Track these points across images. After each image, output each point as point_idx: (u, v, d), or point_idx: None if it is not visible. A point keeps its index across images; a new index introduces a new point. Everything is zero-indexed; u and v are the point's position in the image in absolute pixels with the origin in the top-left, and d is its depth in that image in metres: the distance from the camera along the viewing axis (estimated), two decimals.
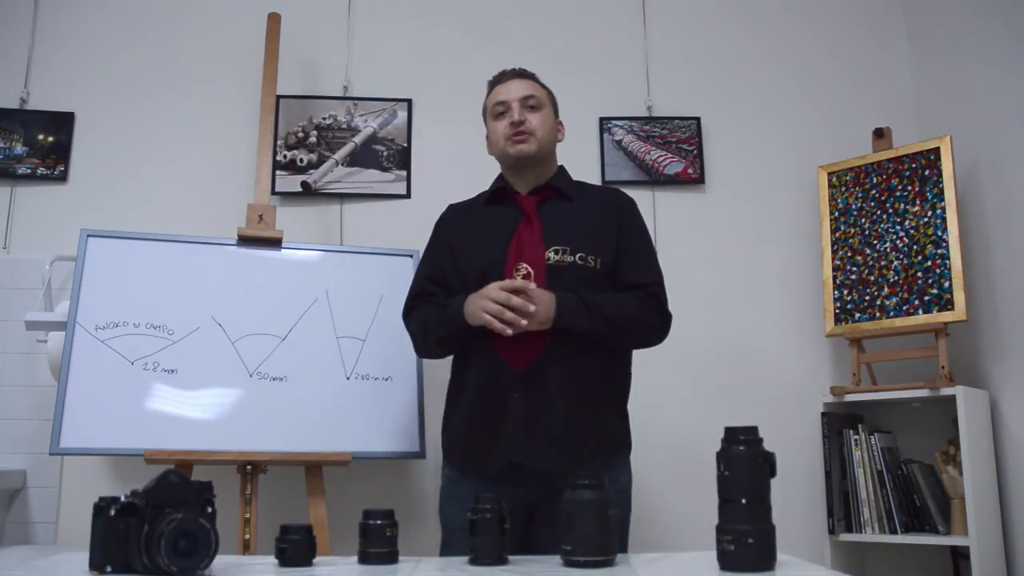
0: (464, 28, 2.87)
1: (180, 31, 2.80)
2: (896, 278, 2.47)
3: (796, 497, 2.50)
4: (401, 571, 1.20)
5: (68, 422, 2.08)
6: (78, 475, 2.45)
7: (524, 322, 1.67)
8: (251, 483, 2.12)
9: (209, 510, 1.12)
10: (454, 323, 1.79)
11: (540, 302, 1.70)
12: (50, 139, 2.68)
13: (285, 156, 2.71)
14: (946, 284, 2.36)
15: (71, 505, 2.44)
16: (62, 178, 2.67)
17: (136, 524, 1.08)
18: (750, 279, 2.74)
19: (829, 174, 2.68)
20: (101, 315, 2.20)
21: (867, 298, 2.51)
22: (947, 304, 2.34)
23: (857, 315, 2.52)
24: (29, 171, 2.66)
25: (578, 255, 1.81)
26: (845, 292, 2.55)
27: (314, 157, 2.73)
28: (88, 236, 2.27)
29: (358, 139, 2.76)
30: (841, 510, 2.40)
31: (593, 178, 2.66)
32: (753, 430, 1.12)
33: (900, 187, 2.52)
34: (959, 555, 2.39)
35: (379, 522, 1.25)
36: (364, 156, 2.75)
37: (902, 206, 2.51)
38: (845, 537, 2.38)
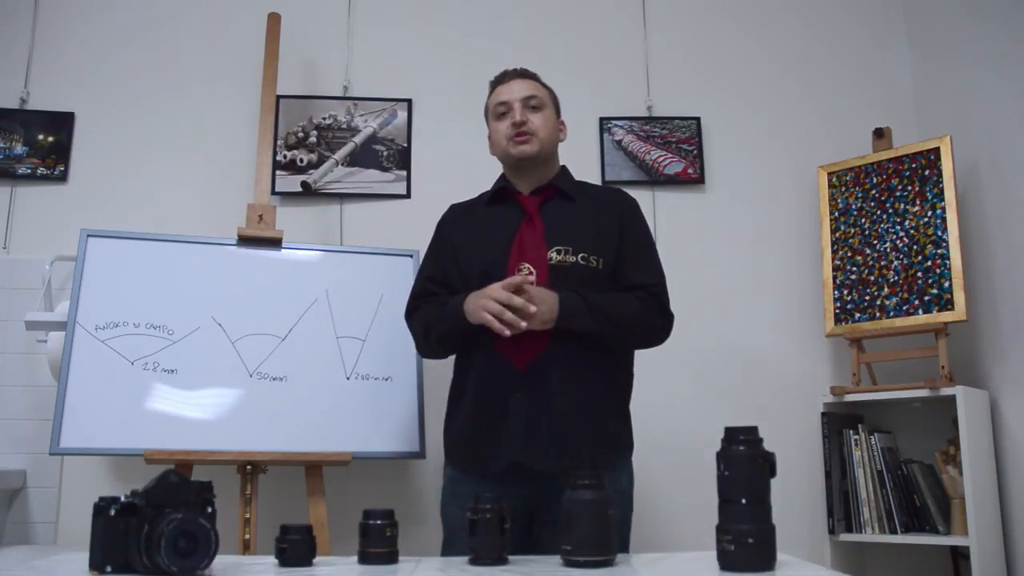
0: (464, 28, 2.88)
1: (180, 31, 2.80)
2: (896, 278, 2.47)
3: (796, 497, 2.50)
4: (401, 571, 1.20)
5: (68, 422, 2.08)
6: (78, 475, 2.45)
7: (524, 324, 1.67)
8: (251, 483, 2.12)
9: (209, 510, 1.12)
10: (454, 321, 1.79)
11: (543, 302, 1.70)
12: (50, 139, 2.68)
13: (285, 156, 2.71)
14: (946, 284, 2.36)
15: (71, 505, 2.44)
16: (62, 178, 2.67)
17: (136, 524, 1.08)
18: (750, 279, 2.74)
19: (829, 174, 2.68)
20: (101, 315, 2.20)
21: (867, 298, 2.51)
22: (947, 304, 2.34)
23: (857, 315, 2.52)
24: (29, 171, 2.66)
25: (580, 255, 1.81)
26: (845, 292, 2.55)
27: (314, 157, 2.73)
28: (88, 236, 2.27)
29: (358, 139, 2.76)
30: (841, 510, 2.40)
31: (593, 178, 2.66)
32: (753, 430, 1.12)
33: (900, 187, 2.52)
34: (959, 555, 2.39)
35: (379, 522, 1.25)
36: (364, 156, 2.75)
37: (902, 206, 2.51)
38: (845, 537, 2.38)
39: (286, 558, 1.22)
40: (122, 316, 2.21)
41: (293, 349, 2.27)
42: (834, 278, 2.58)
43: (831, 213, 2.64)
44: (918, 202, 2.48)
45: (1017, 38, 2.34)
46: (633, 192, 2.03)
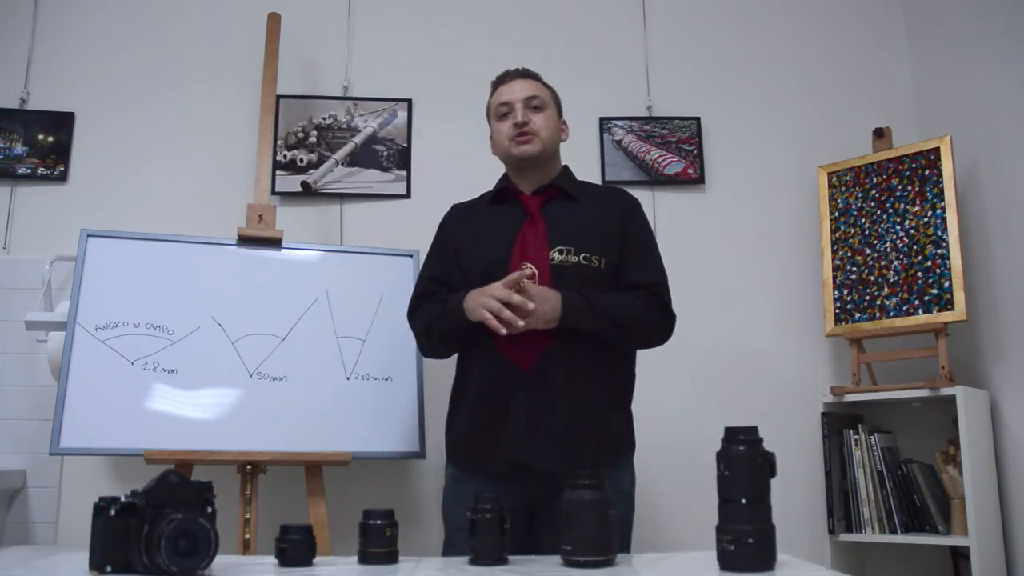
0: (464, 28, 2.88)
1: (180, 31, 2.80)
2: (896, 278, 2.47)
3: (796, 497, 2.50)
4: (401, 571, 1.20)
5: (68, 422, 2.08)
6: (78, 475, 2.45)
7: (522, 323, 1.67)
8: (251, 483, 2.12)
9: (209, 510, 1.12)
10: (455, 319, 1.79)
11: (545, 301, 1.70)
12: (50, 139, 2.68)
13: (285, 156, 2.71)
14: (946, 284, 2.36)
15: (71, 505, 2.44)
16: (62, 178, 2.67)
17: (136, 524, 1.08)
18: (750, 279, 2.74)
19: (829, 174, 2.68)
20: (101, 315, 2.20)
21: (867, 298, 2.51)
22: (947, 304, 2.34)
23: (857, 315, 2.52)
24: (29, 171, 2.66)
25: (582, 255, 1.81)
26: (845, 292, 2.55)
27: (314, 157, 2.73)
28: (88, 236, 2.27)
29: (358, 139, 2.76)
30: (841, 510, 2.40)
31: (593, 178, 2.66)
32: (753, 430, 1.12)
33: (900, 187, 2.52)
34: (959, 555, 2.39)
35: (379, 522, 1.25)
36: (364, 156, 2.75)
37: (902, 206, 2.51)
38: (845, 537, 2.38)
39: (286, 558, 1.22)
40: (122, 316, 2.21)
41: (293, 349, 2.27)
42: (834, 278, 2.58)
43: (831, 213, 2.64)
44: (918, 202, 2.48)
45: (1017, 38, 2.34)
46: (633, 192, 2.03)
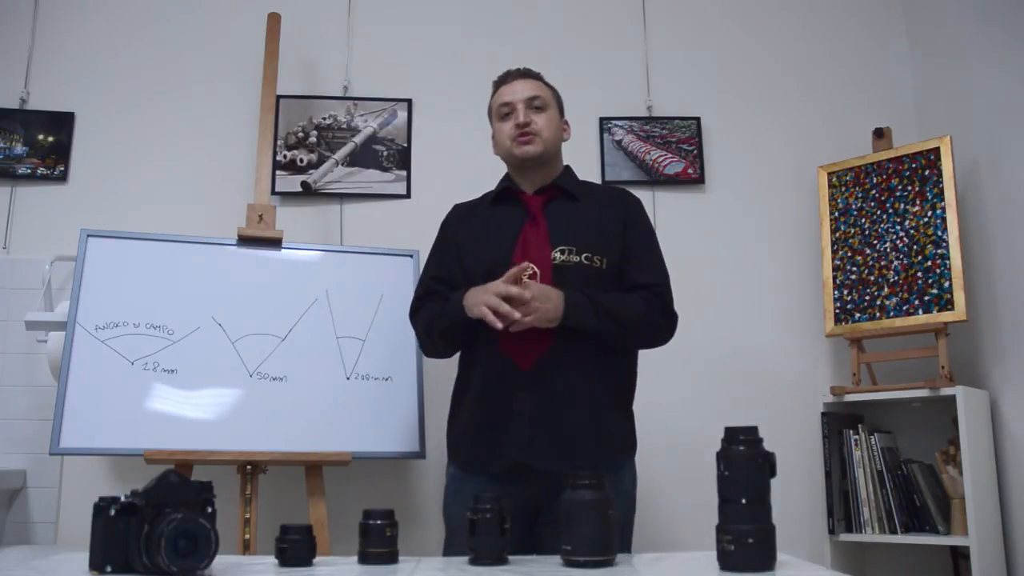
0: (464, 28, 2.88)
1: (180, 31, 2.80)
2: (896, 278, 2.47)
3: (796, 497, 2.50)
4: (401, 571, 1.20)
5: (68, 422, 2.08)
6: (78, 475, 2.45)
7: (518, 315, 1.67)
8: (251, 483, 2.12)
9: (209, 510, 1.12)
10: (454, 315, 1.79)
11: (548, 299, 1.70)
12: (50, 139, 2.68)
13: (285, 156, 2.71)
14: (946, 284, 2.36)
15: (71, 505, 2.44)
16: (62, 178, 2.67)
17: (136, 524, 1.08)
18: (750, 279, 2.74)
19: (829, 174, 2.68)
20: (101, 315, 2.20)
21: (867, 298, 2.51)
22: (947, 304, 2.34)
23: (857, 315, 2.52)
24: (29, 171, 2.66)
25: (584, 255, 1.81)
26: (845, 292, 2.55)
27: (314, 157, 2.73)
28: (88, 236, 2.27)
29: (358, 139, 2.76)
30: (841, 510, 2.40)
31: (593, 178, 2.65)
32: (753, 430, 1.12)
33: (900, 187, 2.52)
34: (959, 555, 2.39)
35: (379, 522, 1.25)
36: (364, 156, 2.75)
37: (902, 206, 2.51)
38: (845, 537, 2.38)
39: (286, 558, 1.22)
40: (122, 316, 2.21)
41: (293, 349, 2.27)
42: (834, 278, 2.58)
43: (831, 213, 2.64)
44: (918, 202, 2.48)
45: (1017, 38, 2.34)
46: (633, 192, 2.03)
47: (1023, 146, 2.31)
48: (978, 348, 2.46)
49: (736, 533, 1.08)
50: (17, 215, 2.64)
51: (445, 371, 1.99)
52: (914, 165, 2.51)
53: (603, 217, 1.89)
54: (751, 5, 2.96)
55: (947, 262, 2.37)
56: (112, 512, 1.08)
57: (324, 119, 2.76)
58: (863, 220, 2.57)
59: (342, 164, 2.73)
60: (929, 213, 2.44)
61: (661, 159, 2.79)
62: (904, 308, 2.43)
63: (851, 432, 2.42)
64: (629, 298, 1.80)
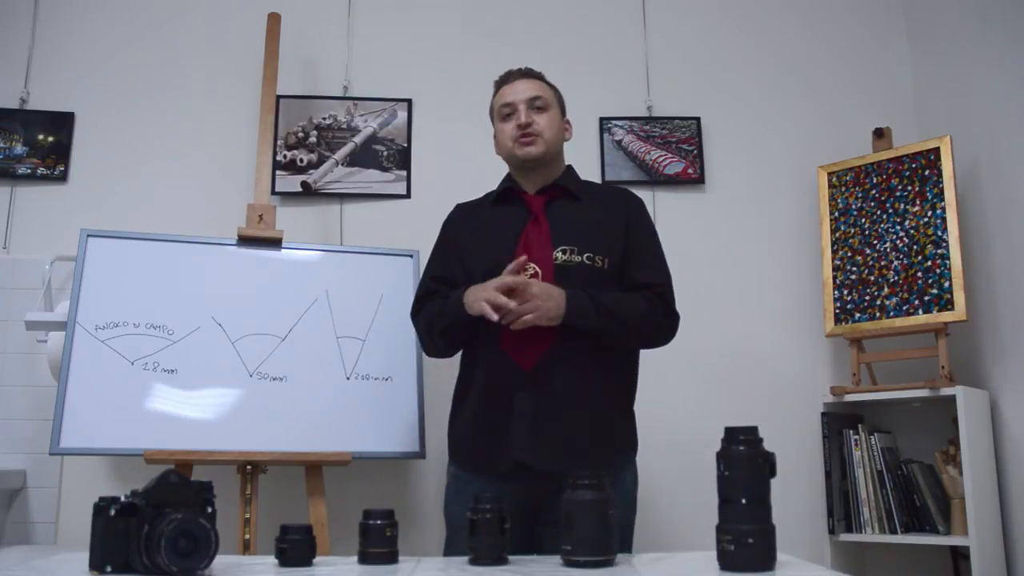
0: (464, 28, 2.88)
1: (180, 31, 2.80)
2: (896, 278, 2.47)
3: (796, 497, 2.50)
4: (401, 571, 1.20)
5: (68, 422, 2.08)
6: (78, 475, 2.45)
7: (513, 304, 1.67)
8: (251, 483, 2.12)
9: (209, 510, 1.12)
10: (454, 313, 1.79)
11: (550, 298, 1.70)
12: (50, 139, 2.68)
13: (285, 156, 2.71)
14: (946, 284, 2.36)
15: (71, 505, 2.44)
16: (62, 178, 2.67)
17: (136, 524, 1.08)
18: (750, 279, 2.74)
19: (829, 174, 2.68)
20: (101, 315, 2.20)
21: (867, 298, 2.51)
22: (947, 304, 2.34)
23: (857, 315, 2.52)
24: (29, 171, 2.66)
25: (586, 255, 1.81)
26: (845, 292, 2.55)
27: (314, 157, 2.73)
28: (88, 236, 2.27)
29: (358, 139, 2.76)
30: (841, 510, 2.40)
31: (593, 178, 2.65)
32: (753, 430, 1.12)
33: (900, 187, 2.52)
34: (959, 555, 2.39)
35: (379, 522, 1.25)
36: (364, 156, 2.75)
37: (902, 206, 2.51)
38: (845, 537, 2.38)
39: (286, 558, 1.22)
40: (122, 316, 2.21)
41: (293, 349, 2.27)
42: (834, 278, 2.58)
43: (831, 213, 2.64)
44: (918, 202, 2.48)
45: (1017, 38, 2.34)
46: (633, 192, 2.03)
47: (1023, 146, 2.31)
48: (978, 348, 2.46)
49: (736, 533, 1.08)
50: (17, 215, 2.64)
51: (445, 371, 1.99)
52: (914, 165, 2.51)
53: (605, 217, 1.89)
54: (751, 5, 2.96)
55: (947, 262, 2.37)
56: (112, 512, 1.08)
57: (324, 119, 2.76)
58: (863, 220, 2.57)
59: (342, 164, 2.73)
60: (929, 213, 2.44)
61: (661, 159, 2.79)
62: (904, 308, 2.43)
63: (851, 432, 2.42)
64: (631, 298, 1.80)
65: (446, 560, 1.41)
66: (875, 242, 2.53)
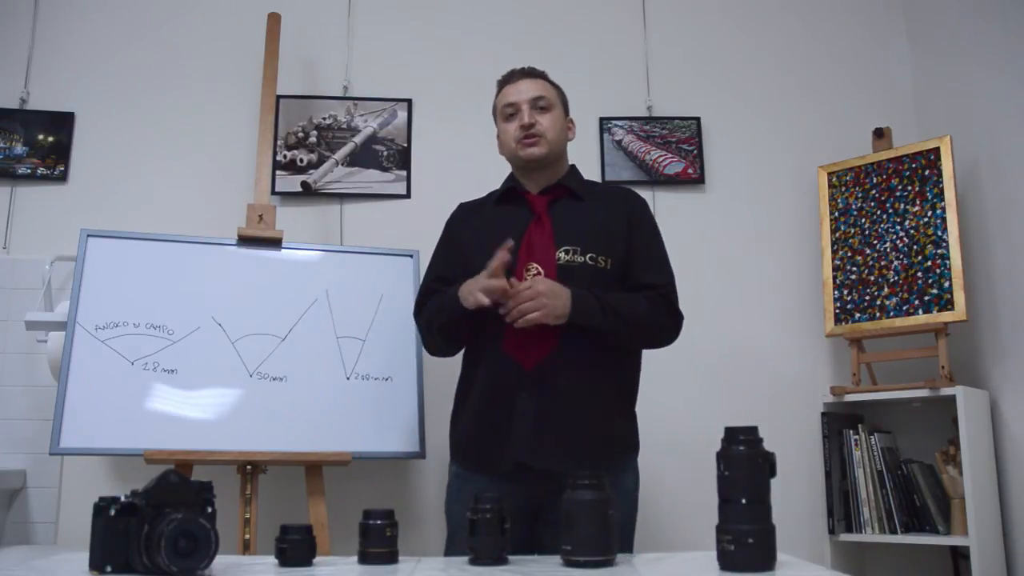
0: (464, 28, 2.87)
1: (180, 31, 2.80)
2: (896, 278, 2.47)
3: (796, 497, 2.50)
4: (401, 571, 1.20)
5: (68, 422, 2.08)
6: (78, 475, 2.45)
7: (505, 283, 1.67)
8: (251, 483, 2.12)
9: (209, 510, 1.12)
10: (451, 308, 1.79)
11: (556, 296, 1.70)
12: (50, 139, 2.68)
13: (285, 156, 2.71)
14: (946, 284, 2.36)
15: (71, 505, 2.44)
16: (62, 178, 2.67)
17: (136, 524, 1.08)
18: (750, 279, 2.74)
19: (829, 174, 2.68)
20: (101, 315, 2.19)
21: (867, 298, 2.51)
22: (947, 304, 2.34)
23: (857, 315, 2.52)
24: (29, 171, 2.66)
25: (589, 255, 1.81)
26: (845, 292, 2.55)
27: (314, 157, 2.73)
28: (88, 236, 2.27)
29: (358, 139, 2.76)
30: (841, 510, 2.40)
31: (593, 178, 2.65)
32: (753, 430, 1.12)
33: (900, 187, 2.52)
34: (959, 555, 2.39)
35: (379, 522, 1.25)
36: (364, 156, 2.75)
37: (902, 206, 2.51)
38: (845, 537, 2.38)
39: (286, 558, 1.22)
40: (122, 316, 2.21)
41: (293, 349, 2.27)
42: (834, 278, 2.58)
43: (831, 213, 2.64)
44: (918, 202, 2.48)
45: (1017, 38, 2.34)
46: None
47: (1023, 146, 2.31)
48: (978, 348, 2.46)
49: (736, 533, 1.08)
50: (17, 215, 2.64)
51: (445, 371, 1.99)
52: (914, 165, 2.51)
53: (608, 217, 1.88)
54: (751, 5, 2.96)
55: (947, 262, 2.37)
56: (112, 512, 1.08)
57: (324, 119, 2.76)
58: (863, 220, 2.57)
59: (342, 164, 2.73)
60: (929, 213, 2.44)
61: (661, 159, 2.79)
62: (904, 308, 2.43)
63: (851, 432, 2.42)
64: (635, 297, 1.80)
65: (446, 560, 1.41)
66: (875, 242, 2.53)
